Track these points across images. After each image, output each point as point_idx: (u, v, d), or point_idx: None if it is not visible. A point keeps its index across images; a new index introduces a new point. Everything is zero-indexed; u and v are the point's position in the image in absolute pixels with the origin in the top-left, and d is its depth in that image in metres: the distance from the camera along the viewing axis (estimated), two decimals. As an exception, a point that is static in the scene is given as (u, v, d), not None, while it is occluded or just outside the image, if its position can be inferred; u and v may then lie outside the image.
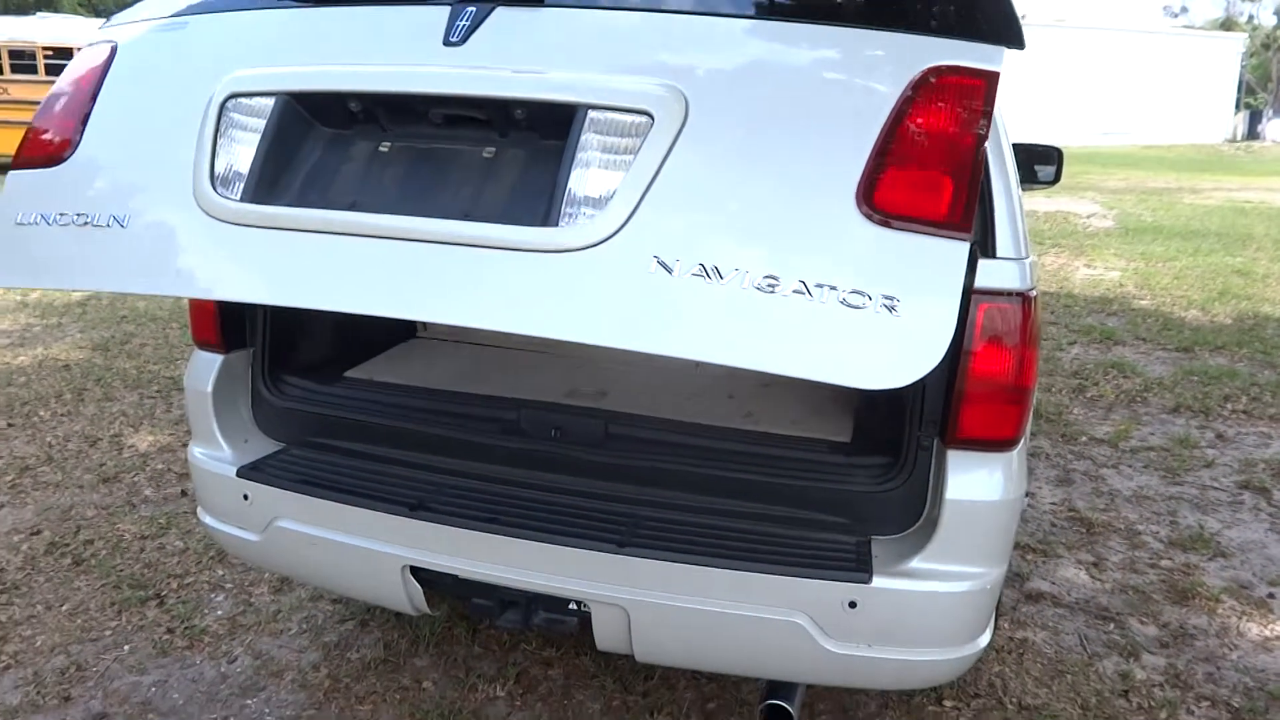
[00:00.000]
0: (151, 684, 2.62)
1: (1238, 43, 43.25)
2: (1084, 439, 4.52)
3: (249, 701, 2.55)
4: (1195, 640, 2.86)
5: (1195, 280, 8.31)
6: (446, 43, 1.68)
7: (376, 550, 2.07)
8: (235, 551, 2.48)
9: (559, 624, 2.06)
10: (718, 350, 1.44)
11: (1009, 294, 1.80)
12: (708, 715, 2.50)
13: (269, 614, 2.94)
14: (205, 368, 2.34)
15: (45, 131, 1.93)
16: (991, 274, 1.80)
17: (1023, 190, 2.46)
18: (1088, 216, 12.70)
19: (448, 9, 1.72)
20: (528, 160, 1.67)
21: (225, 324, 2.32)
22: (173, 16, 1.98)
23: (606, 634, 2.00)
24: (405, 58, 1.73)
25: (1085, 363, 5.78)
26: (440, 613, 2.53)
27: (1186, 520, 3.66)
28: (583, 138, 1.55)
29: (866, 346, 1.39)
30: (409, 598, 2.12)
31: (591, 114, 1.56)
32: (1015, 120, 3.00)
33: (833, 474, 2.05)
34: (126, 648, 2.78)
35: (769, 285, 1.41)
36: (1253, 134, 42.72)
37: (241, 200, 1.70)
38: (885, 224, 1.42)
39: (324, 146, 1.77)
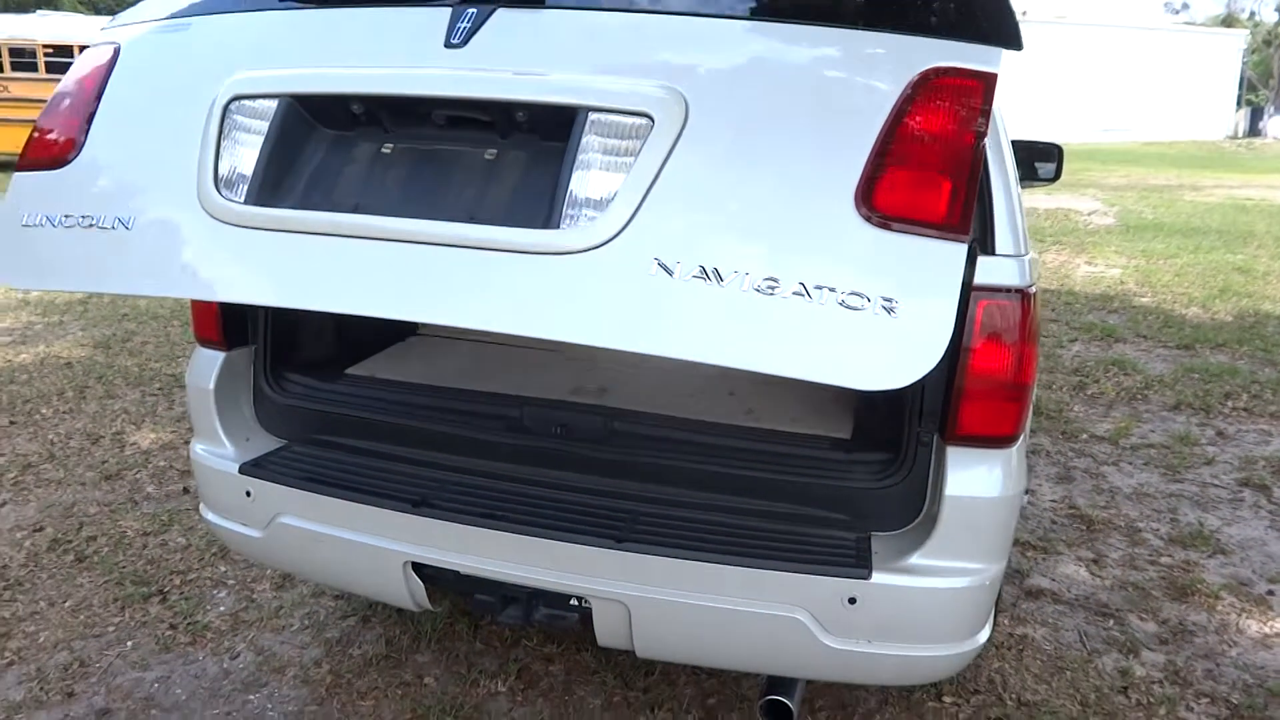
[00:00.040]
0: (154, 680, 2.63)
1: (1239, 39, 43.10)
2: (1084, 436, 4.53)
3: (251, 697, 2.57)
4: (1195, 637, 2.87)
5: (1196, 277, 8.31)
6: (448, 45, 1.69)
7: (379, 546, 2.08)
8: (237, 548, 2.49)
9: (560, 620, 2.07)
10: (718, 352, 1.44)
11: (1008, 291, 1.81)
12: (708, 711, 2.51)
13: (271, 610, 2.95)
14: (207, 365, 2.35)
15: (50, 133, 1.94)
16: (991, 271, 1.80)
17: (1023, 187, 2.47)
18: (1088, 214, 12.69)
19: (449, 11, 1.72)
20: (529, 162, 1.68)
21: (227, 322, 2.33)
22: (175, 18, 1.99)
23: (607, 630, 2.01)
24: (407, 60, 1.73)
25: (1086, 360, 5.78)
26: (442, 609, 2.53)
27: (1186, 517, 3.67)
28: (584, 140, 1.56)
29: (865, 348, 1.40)
30: (411, 594, 2.13)
31: (592, 116, 1.57)
32: (1015, 117, 3.00)
33: (833, 470, 2.05)
34: (129, 644, 2.79)
35: (769, 287, 1.42)
36: (1254, 131, 42.53)
37: (245, 202, 1.71)
38: (884, 226, 1.43)
39: (327, 148, 1.78)
